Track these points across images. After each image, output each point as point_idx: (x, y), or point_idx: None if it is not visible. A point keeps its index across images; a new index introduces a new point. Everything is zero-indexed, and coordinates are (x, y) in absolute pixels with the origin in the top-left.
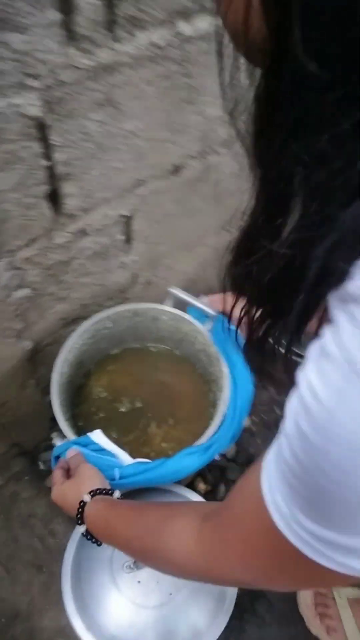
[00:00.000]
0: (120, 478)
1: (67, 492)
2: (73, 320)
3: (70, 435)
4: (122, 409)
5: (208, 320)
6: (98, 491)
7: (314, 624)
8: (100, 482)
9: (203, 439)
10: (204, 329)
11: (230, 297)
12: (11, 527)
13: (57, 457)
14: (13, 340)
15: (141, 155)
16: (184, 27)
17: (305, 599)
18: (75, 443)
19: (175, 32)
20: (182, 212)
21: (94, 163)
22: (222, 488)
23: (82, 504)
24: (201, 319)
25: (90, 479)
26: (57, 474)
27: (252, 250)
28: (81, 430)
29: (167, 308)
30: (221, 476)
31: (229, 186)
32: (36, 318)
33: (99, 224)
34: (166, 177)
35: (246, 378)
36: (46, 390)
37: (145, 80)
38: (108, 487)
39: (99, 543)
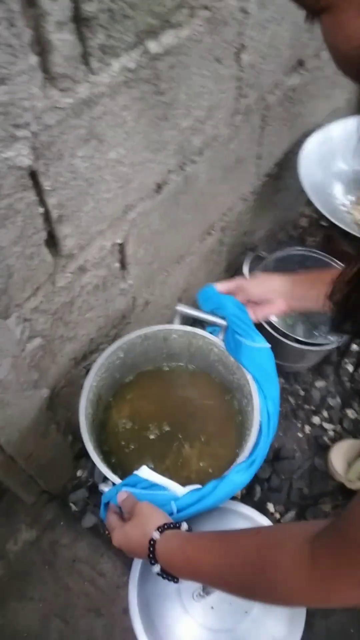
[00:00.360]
0: (178, 511)
1: (131, 533)
2: (83, 357)
3: (114, 478)
4: (152, 436)
5: (220, 330)
6: (165, 526)
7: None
8: (163, 518)
9: (245, 452)
10: (217, 339)
11: (243, 281)
12: (58, 576)
13: (107, 504)
14: (31, 393)
15: (127, 181)
16: (152, 46)
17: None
18: (124, 485)
19: (144, 52)
20: (169, 227)
21: (85, 199)
22: (257, 489)
23: (152, 542)
24: (213, 330)
25: (152, 516)
26: (113, 519)
27: None
28: (115, 467)
29: (176, 326)
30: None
31: (206, 192)
32: (49, 364)
33: (96, 257)
34: (151, 197)
35: (271, 377)
36: (67, 431)
37: (122, 106)
38: (172, 521)
39: (176, 580)
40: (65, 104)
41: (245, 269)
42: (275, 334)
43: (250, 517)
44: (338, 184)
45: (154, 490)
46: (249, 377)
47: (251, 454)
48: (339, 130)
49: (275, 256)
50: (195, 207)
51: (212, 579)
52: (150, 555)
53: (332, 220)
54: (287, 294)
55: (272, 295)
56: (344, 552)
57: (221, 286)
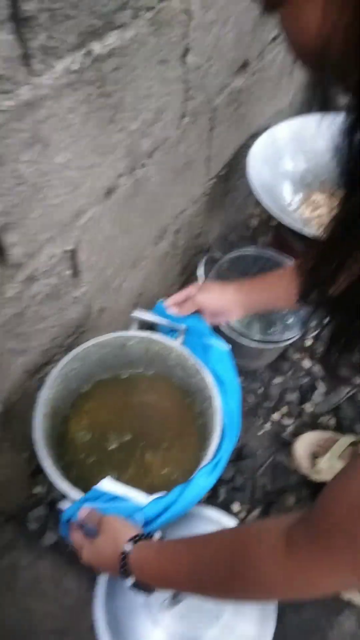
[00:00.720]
0: (146, 521)
1: (102, 548)
2: (37, 369)
3: (75, 494)
4: (112, 446)
5: (178, 334)
6: (137, 537)
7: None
8: (134, 529)
9: (208, 455)
10: (175, 343)
11: (194, 289)
12: (19, 599)
13: (69, 522)
14: None
15: (75, 186)
16: (96, 47)
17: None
18: (85, 500)
19: (88, 53)
20: (121, 231)
21: (32, 206)
22: (221, 490)
23: (124, 555)
24: (171, 334)
25: (122, 529)
26: (78, 537)
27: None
28: (77, 481)
29: (133, 333)
30: None
31: (158, 195)
32: (1, 379)
33: (46, 265)
34: (102, 202)
35: (231, 378)
36: (22, 447)
37: (67, 108)
38: (143, 532)
39: (150, 591)
40: (6, 107)
41: (200, 271)
42: (232, 334)
43: (216, 521)
44: (286, 183)
45: (118, 503)
46: (209, 379)
47: (215, 456)
48: (284, 131)
49: (229, 257)
50: (147, 210)
51: (188, 584)
52: (123, 568)
53: (280, 219)
54: (241, 302)
55: (228, 306)
56: (318, 540)
57: (171, 301)
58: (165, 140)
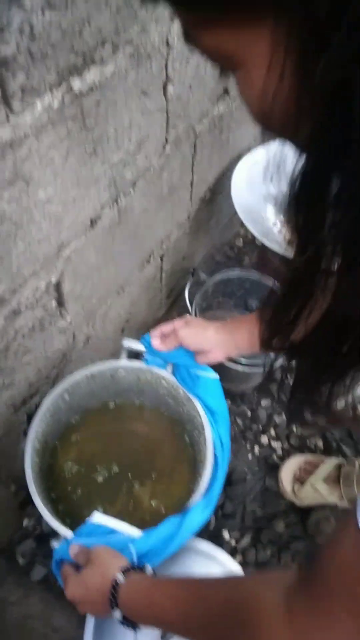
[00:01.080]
0: (139, 555)
1: (89, 579)
2: (22, 402)
3: (65, 533)
4: (100, 479)
5: (167, 363)
6: (128, 568)
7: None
8: (125, 560)
9: (201, 488)
10: (165, 372)
11: (180, 323)
12: (9, 636)
13: (61, 561)
14: None
15: (58, 219)
16: (76, 84)
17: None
18: (77, 536)
19: (68, 90)
20: (106, 260)
21: (15, 242)
22: (211, 519)
23: (115, 585)
24: (160, 364)
25: (113, 559)
26: (67, 569)
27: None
28: (64, 515)
29: (124, 362)
30: None
31: (142, 222)
32: None
33: (30, 298)
34: (86, 233)
35: (221, 407)
36: (9, 480)
37: (49, 145)
38: (134, 563)
39: (137, 628)
40: None
41: (186, 294)
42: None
43: (206, 553)
44: (269, 205)
45: (109, 537)
46: (199, 407)
47: (208, 488)
48: (265, 153)
49: (214, 280)
50: (132, 238)
51: (178, 628)
52: (113, 599)
53: (263, 241)
54: (222, 343)
55: (208, 346)
56: (318, 605)
57: (157, 332)
58: (149, 169)
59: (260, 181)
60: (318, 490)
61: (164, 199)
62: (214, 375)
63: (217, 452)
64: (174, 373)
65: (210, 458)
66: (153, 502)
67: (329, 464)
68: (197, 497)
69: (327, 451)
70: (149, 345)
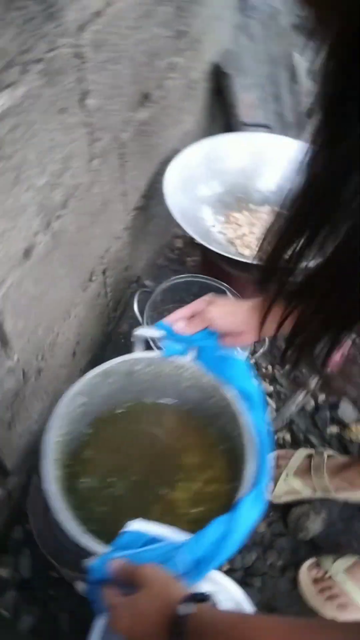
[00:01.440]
0: (191, 566)
1: (144, 608)
2: None
3: (100, 548)
4: (123, 490)
5: (189, 349)
6: (194, 597)
7: (323, 609)
8: (182, 585)
9: (246, 481)
10: (188, 362)
11: (202, 303)
12: None
13: (97, 582)
14: None
15: None
16: None
17: (308, 588)
18: (116, 550)
19: None
20: (47, 287)
21: None
22: None
23: (180, 618)
24: (180, 351)
25: (169, 581)
26: (111, 595)
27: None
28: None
29: (140, 354)
30: None
31: (78, 242)
32: None
33: None
34: (21, 264)
35: (254, 389)
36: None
37: None
38: (194, 590)
39: None
40: None
41: (135, 306)
42: None
43: (214, 580)
44: (205, 206)
45: (152, 547)
46: (231, 396)
47: (256, 480)
48: (193, 155)
49: (161, 288)
50: (70, 259)
51: None
52: (178, 635)
53: (202, 242)
54: (255, 324)
55: (242, 327)
56: None
57: (176, 316)
58: (78, 186)
59: (193, 183)
60: (291, 486)
61: (99, 214)
62: (242, 354)
63: (260, 439)
64: (198, 358)
65: (252, 448)
66: (192, 509)
67: (298, 455)
68: (245, 491)
69: (295, 444)
70: (169, 330)
